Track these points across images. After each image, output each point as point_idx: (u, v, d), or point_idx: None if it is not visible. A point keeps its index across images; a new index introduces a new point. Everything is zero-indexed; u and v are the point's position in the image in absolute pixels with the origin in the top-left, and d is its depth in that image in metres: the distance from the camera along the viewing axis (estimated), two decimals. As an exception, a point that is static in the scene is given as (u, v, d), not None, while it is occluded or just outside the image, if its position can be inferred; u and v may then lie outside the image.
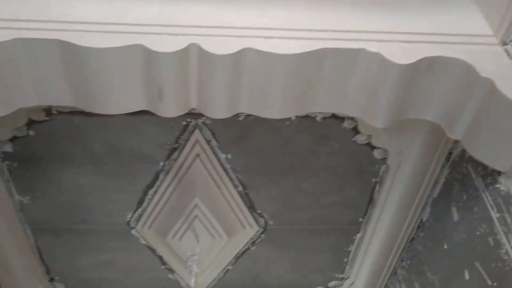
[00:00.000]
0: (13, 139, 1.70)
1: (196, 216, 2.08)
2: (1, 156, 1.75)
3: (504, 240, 1.34)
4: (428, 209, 1.84)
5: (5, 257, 2.13)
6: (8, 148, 1.72)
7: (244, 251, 2.32)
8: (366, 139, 1.79)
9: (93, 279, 2.44)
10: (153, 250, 2.27)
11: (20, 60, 1.10)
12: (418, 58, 1.17)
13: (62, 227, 2.09)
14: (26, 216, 2.03)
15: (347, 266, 2.46)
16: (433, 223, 1.80)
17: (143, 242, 2.21)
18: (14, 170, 1.82)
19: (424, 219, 1.87)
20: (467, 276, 1.53)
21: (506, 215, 1.33)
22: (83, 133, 1.70)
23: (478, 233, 1.47)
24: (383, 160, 1.88)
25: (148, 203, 2.02)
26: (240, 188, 1.98)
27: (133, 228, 2.13)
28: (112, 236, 2.17)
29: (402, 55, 1.18)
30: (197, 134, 1.74)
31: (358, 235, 2.25)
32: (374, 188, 2.00)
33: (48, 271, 2.37)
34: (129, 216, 2.07)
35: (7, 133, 1.67)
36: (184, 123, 1.70)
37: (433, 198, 1.79)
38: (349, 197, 2.04)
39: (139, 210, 2.04)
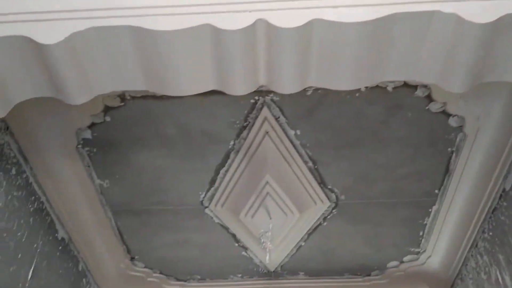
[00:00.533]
0: (91, 126, 1.78)
1: (267, 193, 2.09)
2: (81, 142, 1.84)
3: None
4: (511, 177, 1.74)
5: (89, 238, 2.26)
6: (87, 135, 1.81)
7: (316, 227, 2.32)
8: (441, 107, 1.71)
9: (170, 257, 2.54)
10: (226, 229, 2.32)
11: (96, 48, 1.14)
12: (499, 16, 1.09)
13: (140, 209, 2.18)
14: (106, 199, 2.13)
15: (423, 240, 2.39)
16: (518, 192, 1.70)
17: (216, 220, 2.26)
18: (94, 156, 1.91)
19: (507, 187, 1.77)
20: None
21: None
22: (155, 116, 1.75)
23: None
24: (460, 128, 1.79)
25: (220, 182, 2.05)
26: (310, 164, 1.97)
27: (207, 207, 2.18)
28: (187, 216, 2.24)
29: (481, 13, 1.10)
30: (265, 111, 1.74)
31: (434, 207, 2.18)
32: (450, 158, 1.91)
33: (128, 251, 2.49)
34: (202, 195, 2.12)
35: (86, 120, 1.75)
36: (253, 101, 1.70)
37: (516, 166, 1.70)
38: (423, 168, 1.97)
39: (212, 189, 2.09)
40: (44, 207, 1.90)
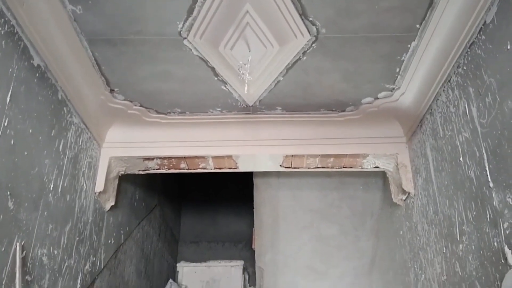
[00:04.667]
0: None
1: (247, 23, 2.05)
2: (48, -40, 1.71)
3: None
4: (494, 9, 1.71)
5: (67, 68, 2.23)
6: (54, -49, 1.68)
7: (295, 62, 2.32)
8: None
9: (150, 90, 2.56)
10: (206, 62, 2.31)
11: None
12: None
13: (116, 38, 2.13)
14: (80, 27, 2.06)
15: (399, 77, 2.44)
16: (498, 24, 1.69)
17: (195, 53, 2.24)
18: (63, -23, 1.79)
19: (488, 20, 1.76)
20: (528, 75, 1.49)
21: None
22: None
23: (548, 27, 1.38)
24: (449, -45, 1.71)
25: (199, 11, 1.98)
26: (292, -8, 1.89)
27: (185, 38, 2.14)
28: (166, 47, 2.20)
29: None
30: None
31: (413, 43, 2.18)
32: (436, -11, 1.86)
33: (108, 83, 2.49)
34: (180, 25, 2.06)
35: None
36: None
37: (501, -4, 1.66)
38: (407, 1, 1.92)
39: (190, 19, 2.02)
40: (15, 31, 1.84)
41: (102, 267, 2.87)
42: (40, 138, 2.07)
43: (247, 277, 5.44)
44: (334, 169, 3.03)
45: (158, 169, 3.03)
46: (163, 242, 5.01)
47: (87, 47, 2.20)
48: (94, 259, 2.72)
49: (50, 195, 2.17)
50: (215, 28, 2.08)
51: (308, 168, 3.03)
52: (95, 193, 2.72)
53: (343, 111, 2.79)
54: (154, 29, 2.08)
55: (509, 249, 1.61)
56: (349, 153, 2.88)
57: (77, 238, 2.47)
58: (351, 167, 2.99)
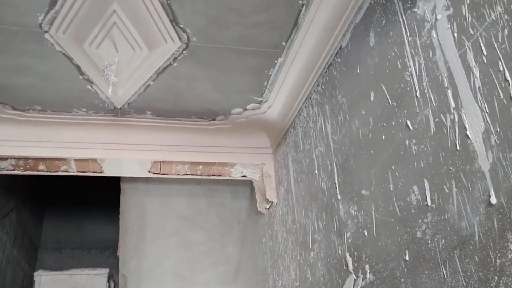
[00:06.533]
0: None
1: (114, 23, 1.98)
2: None
3: (410, 62, 1.41)
4: (348, 35, 1.87)
5: None
6: None
7: (166, 67, 2.30)
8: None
9: (5, 84, 2.35)
10: (70, 59, 2.19)
11: None
12: None
13: (-35, 24, 1.93)
14: None
15: (267, 90, 2.54)
16: (351, 49, 1.85)
17: (58, 48, 2.11)
18: None
19: (343, 45, 1.91)
20: (372, 98, 1.64)
21: (417, 39, 1.38)
22: None
23: (389, 56, 1.53)
24: (311, -18, 1.82)
25: (62, 5, 1.87)
26: (163, -3, 1.88)
27: (47, 31, 2.01)
28: (25, 39, 2.04)
29: None
30: None
31: (280, 59, 2.29)
32: (300, 10, 1.97)
33: (-45, 72, 2.24)
34: (41, 17, 1.93)
35: None
36: None
37: (354, 24, 1.81)
38: (275, 18, 2.01)
39: (52, 11, 1.90)
40: None
41: None
42: None
43: (112, 285, 5.22)
44: (203, 177, 3.04)
45: (12, 170, 2.78)
46: (19, 248, 4.61)
47: None
48: None
49: None
50: (80, 24, 1.98)
51: (177, 175, 3.01)
52: None
53: (214, 120, 2.82)
54: (11, 18, 1.91)
55: (350, 257, 1.75)
56: (218, 161, 2.92)
57: None
58: (220, 175, 3.03)
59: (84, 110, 2.65)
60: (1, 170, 2.76)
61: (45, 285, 4.89)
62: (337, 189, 1.90)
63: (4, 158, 2.69)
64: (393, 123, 1.49)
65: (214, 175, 3.02)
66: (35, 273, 4.94)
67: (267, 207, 2.97)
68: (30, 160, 2.71)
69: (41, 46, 2.09)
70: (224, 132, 2.87)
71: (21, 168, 2.76)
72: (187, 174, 3.02)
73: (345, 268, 1.79)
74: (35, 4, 1.86)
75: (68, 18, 1.94)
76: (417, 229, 1.34)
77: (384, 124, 1.55)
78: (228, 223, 3.70)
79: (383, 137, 1.55)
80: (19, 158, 2.69)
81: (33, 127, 2.67)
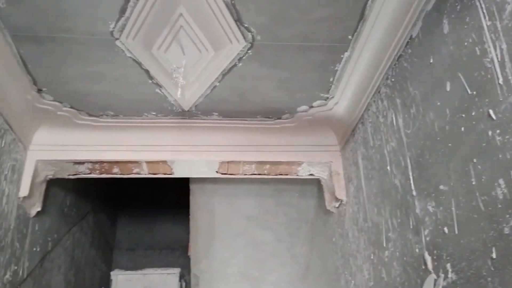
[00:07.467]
0: None
1: (181, 27, 2.02)
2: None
3: (491, 48, 1.32)
4: (419, 24, 1.78)
5: (-11, 65, 2.11)
6: None
7: (231, 68, 2.31)
8: None
9: (81, 91, 2.47)
10: (139, 64, 2.25)
11: None
12: None
13: (44, 35, 2.03)
14: (4, 21, 1.95)
15: (333, 86, 2.49)
16: (422, 38, 1.76)
17: (128, 54, 2.18)
18: (-16, -32, 1.69)
19: (414, 35, 1.83)
20: (448, 88, 1.55)
21: (497, 23, 1.29)
22: None
23: (466, 43, 1.45)
24: (378, -29, 1.76)
25: (131, 11, 1.93)
26: (227, -2, 1.89)
27: (117, 39, 2.08)
28: (97, 47, 2.13)
29: None
30: None
31: (346, 54, 2.23)
32: (366, 2, 1.91)
33: (35, 82, 2.37)
34: (112, 25, 2.00)
35: None
36: None
37: (426, 12, 1.73)
38: (340, 12, 1.96)
39: (122, 19, 1.97)
40: None
41: (25, 276, 2.72)
42: (-45, 138, 1.94)
43: (184, 284, 5.35)
44: (270, 176, 3.04)
45: (89, 173, 2.91)
46: (96, 249, 4.84)
47: (11, 44, 2.09)
48: (16, 267, 2.57)
49: (-35, 199, 2.03)
50: (149, 30, 2.04)
51: (244, 174, 3.03)
52: (19, 198, 2.57)
53: (279, 118, 2.81)
54: (84, 27, 2.00)
55: (429, 255, 1.67)
56: (285, 160, 2.90)
57: (-4, 246, 2.33)
58: (287, 174, 3.02)
59: (154, 113, 2.72)
60: (79, 174, 2.90)
61: (121, 284, 5.09)
62: (412, 185, 1.82)
63: (81, 162, 2.82)
64: (473, 113, 1.41)
65: (281, 174, 3.01)
66: (111, 273, 5.16)
67: (337, 206, 2.92)
68: (105, 164, 2.83)
69: (113, 53, 2.17)
70: (290, 131, 2.85)
71: (97, 172, 2.89)
72: (254, 174, 3.03)
73: (423, 267, 1.71)
74: (106, 13, 1.93)
75: (137, 24, 1.99)
76: (504, 225, 1.25)
77: (463, 115, 1.46)
78: (296, 223, 3.68)
79: (462, 128, 1.47)
80: (95, 162, 2.82)
81: (107, 132, 2.78)
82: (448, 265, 1.54)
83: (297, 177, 3.02)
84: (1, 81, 2.23)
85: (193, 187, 3.59)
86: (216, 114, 2.75)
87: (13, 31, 2.01)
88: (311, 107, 2.69)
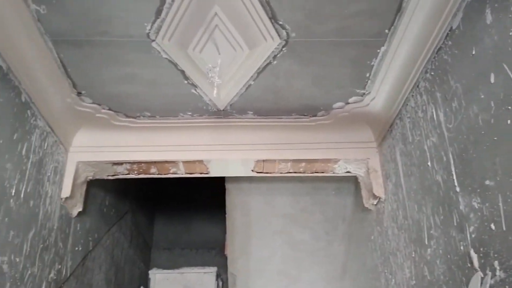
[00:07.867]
0: None
1: (216, 26, 2.02)
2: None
3: (539, 36, 1.27)
4: (460, 15, 1.73)
5: (31, 70, 2.17)
6: None
7: (266, 66, 2.30)
8: None
9: (118, 93, 2.51)
10: (175, 65, 2.27)
11: None
12: None
13: (82, 39, 2.08)
14: (45, 27, 2.00)
15: (369, 82, 2.45)
16: (464, 29, 1.71)
17: (164, 55, 2.20)
18: (25, -24, 1.74)
19: (454, 26, 1.78)
20: (492, 80, 1.50)
21: (546, 10, 1.24)
22: None
23: (511, 33, 1.39)
24: (416, -38, 1.72)
25: (167, 13, 1.95)
26: (262, -4, 1.88)
27: (153, 40, 2.10)
28: (133, 49, 2.16)
29: None
30: None
31: (383, 48, 2.19)
32: (404, -6, 1.87)
33: (74, 85, 2.43)
34: (148, 27, 2.02)
35: None
36: None
37: (467, 2, 1.68)
38: (376, 5, 1.93)
39: (158, 21, 1.99)
40: (-26, 30, 1.78)
41: (68, 275, 2.79)
42: (1, 141, 2.00)
43: (220, 283, 5.38)
44: (306, 174, 3.02)
45: (127, 174, 2.97)
46: (134, 249, 4.92)
47: (52, 48, 2.14)
48: (59, 266, 2.64)
49: (11, 200, 2.09)
50: (184, 30, 2.05)
51: (280, 173, 3.02)
52: (61, 198, 2.64)
53: (315, 116, 2.78)
54: (121, 30, 2.03)
55: (475, 253, 1.62)
56: (321, 158, 2.87)
57: (41, 245, 2.39)
58: (323, 172, 2.99)
59: (190, 113, 2.74)
60: (118, 174, 2.96)
61: (159, 283, 5.16)
62: (455, 181, 1.77)
63: (120, 163, 2.87)
64: (520, 105, 1.35)
65: (317, 172, 2.99)
66: (150, 272, 5.24)
67: (375, 203, 2.87)
68: (142, 164, 2.87)
69: (149, 55, 2.20)
70: (326, 128, 2.82)
71: (135, 172, 2.93)
72: (290, 172, 3.01)
73: (469, 265, 1.66)
74: (142, 15, 1.95)
75: (173, 25, 2.01)
76: (557, 221, 1.20)
77: (510, 107, 1.41)
78: (333, 221, 3.64)
79: (509, 121, 1.42)
80: (133, 163, 2.86)
81: (144, 132, 2.82)
82: (496, 263, 1.49)
83: (333, 174, 2.98)
84: (43, 85, 2.29)
85: (229, 186, 3.60)
86: (251, 112, 2.75)
87: (54, 36, 2.06)
88: (347, 103, 2.65)
